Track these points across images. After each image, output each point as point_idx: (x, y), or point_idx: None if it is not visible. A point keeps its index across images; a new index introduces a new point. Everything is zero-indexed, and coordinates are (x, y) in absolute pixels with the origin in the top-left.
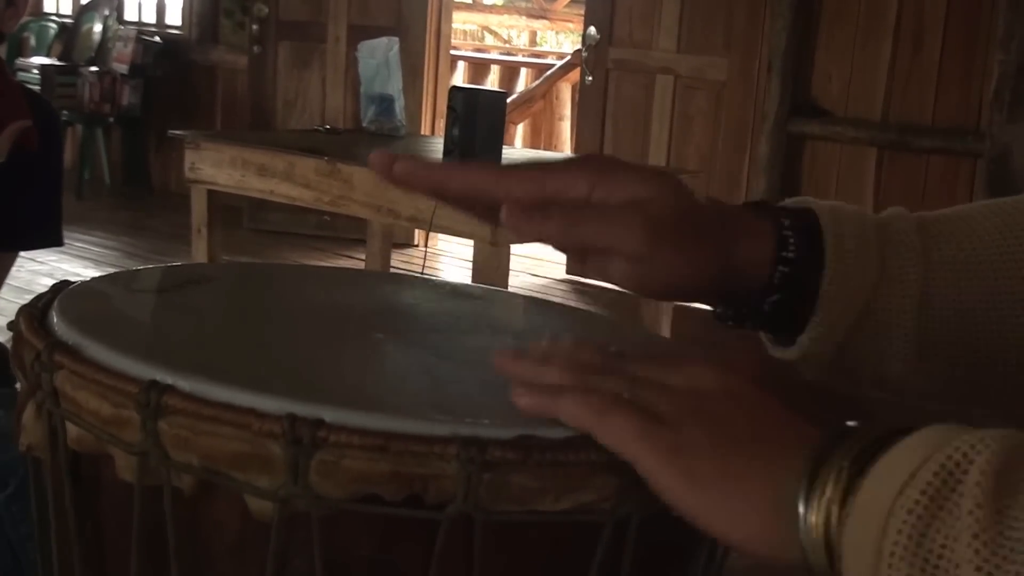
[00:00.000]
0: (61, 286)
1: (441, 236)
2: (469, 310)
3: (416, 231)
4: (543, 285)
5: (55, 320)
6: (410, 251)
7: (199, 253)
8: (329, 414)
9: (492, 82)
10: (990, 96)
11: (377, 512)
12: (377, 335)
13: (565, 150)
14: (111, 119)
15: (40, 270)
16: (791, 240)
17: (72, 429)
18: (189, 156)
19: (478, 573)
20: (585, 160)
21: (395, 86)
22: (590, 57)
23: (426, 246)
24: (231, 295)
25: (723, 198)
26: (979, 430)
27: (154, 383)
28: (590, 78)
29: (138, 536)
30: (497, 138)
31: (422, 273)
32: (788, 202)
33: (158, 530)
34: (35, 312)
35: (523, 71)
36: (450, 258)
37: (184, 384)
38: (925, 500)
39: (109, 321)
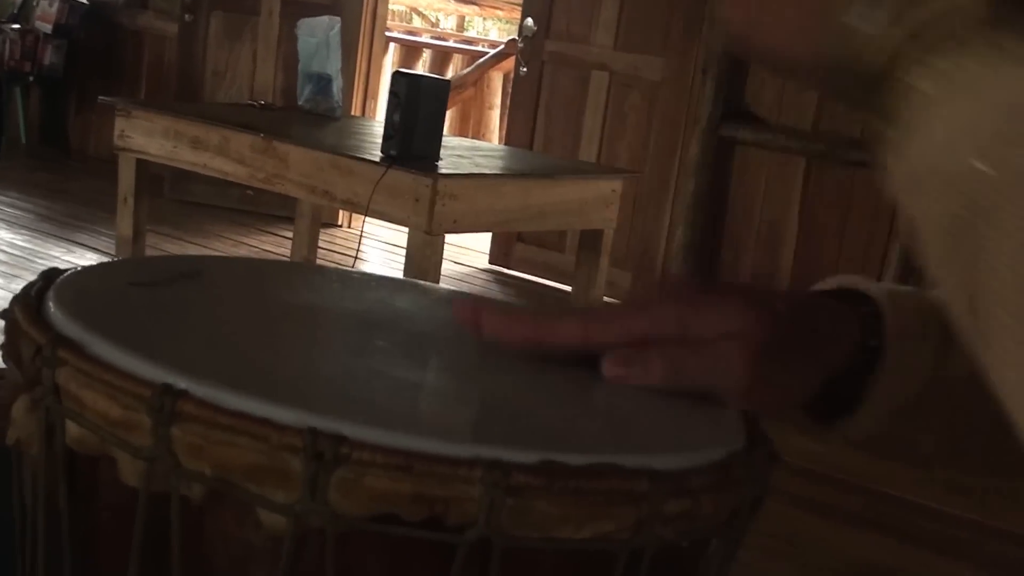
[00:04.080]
0: (52, 274)
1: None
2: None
3: (340, 211)
4: (466, 274)
5: (52, 310)
6: (333, 231)
7: (124, 223)
8: (350, 429)
9: (423, 66)
10: None
11: (393, 532)
12: (391, 344)
13: (493, 139)
14: (31, 78)
15: None
16: (872, 331)
17: (72, 428)
18: (119, 123)
19: None
20: (668, 296)
21: (334, 66)
22: (526, 48)
23: (362, 231)
24: (230, 293)
25: (652, 198)
26: None
27: (168, 387)
28: (525, 69)
29: (139, 543)
30: (438, 125)
31: (356, 256)
32: (841, 282)
33: (160, 538)
34: (30, 301)
35: (455, 57)
36: (375, 241)
37: (199, 390)
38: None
39: (110, 316)
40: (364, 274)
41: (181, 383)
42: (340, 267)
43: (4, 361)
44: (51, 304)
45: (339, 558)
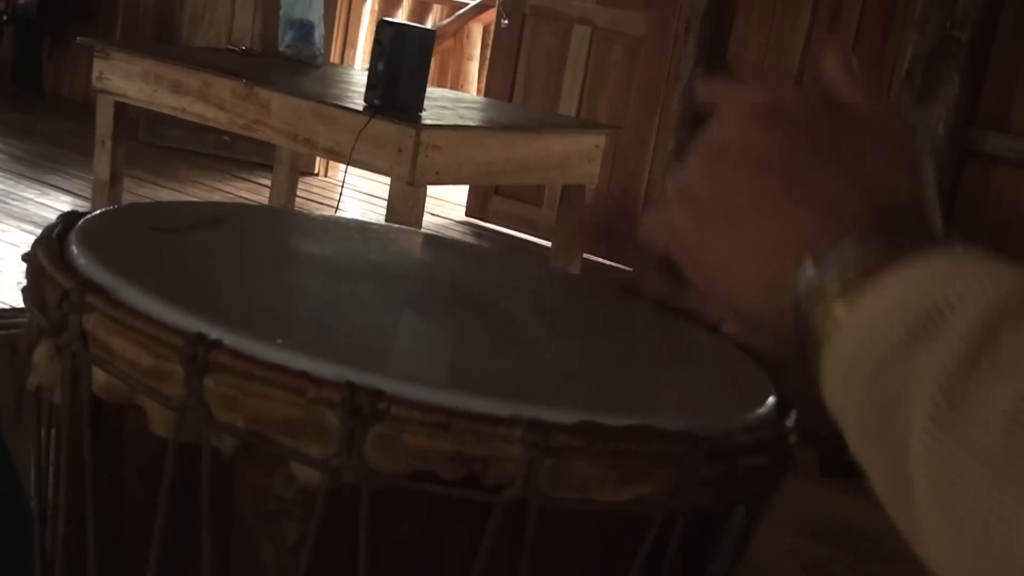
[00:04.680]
0: (71, 217)
1: (342, 168)
2: (512, 281)
3: (318, 160)
4: (442, 225)
5: (75, 254)
6: (310, 180)
7: (101, 166)
8: (388, 384)
9: (403, 15)
10: (901, 76)
11: (427, 490)
12: (425, 298)
13: (472, 91)
14: (5, 17)
15: None
16: None
17: (99, 375)
18: (98, 65)
19: (526, 559)
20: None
21: (316, 13)
22: (507, 1)
23: (344, 180)
24: (254, 242)
25: (631, 154)
26: (986, 267)
27: (201, 337)
28: (506, 22)
29: (167, 494)
30: (422, 76)
31: (336, 206)
32: None
33: (188, 489)
34: (53, 245)
35: (435, 7)
36: (353, 191)
37: (233, 340)
38: (905, 336)
39: (136, 262)
40: (383, 226)
41: (214, 333)
42: (361, 219)
43: (26, 305)
44: (74, 248)
45: (373, 515)
